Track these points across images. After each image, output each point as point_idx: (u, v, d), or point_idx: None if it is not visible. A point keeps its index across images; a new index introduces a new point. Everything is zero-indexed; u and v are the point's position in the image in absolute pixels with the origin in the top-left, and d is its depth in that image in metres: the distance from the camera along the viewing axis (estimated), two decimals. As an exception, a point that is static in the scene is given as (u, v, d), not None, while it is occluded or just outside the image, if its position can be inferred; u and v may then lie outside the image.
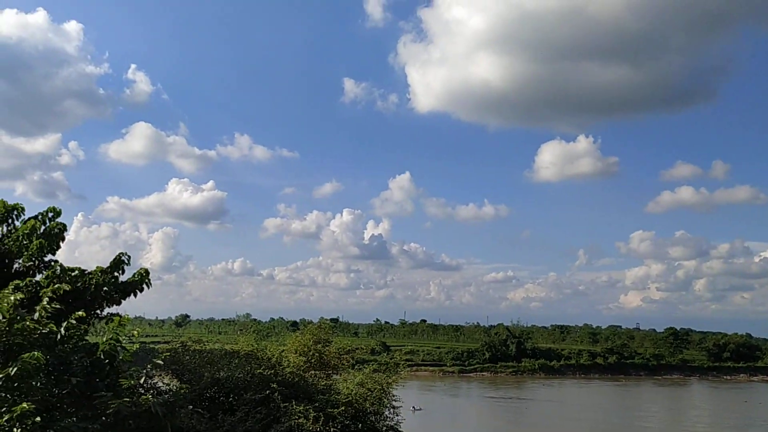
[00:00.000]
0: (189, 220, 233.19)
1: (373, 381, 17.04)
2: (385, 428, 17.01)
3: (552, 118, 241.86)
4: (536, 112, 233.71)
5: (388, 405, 17.38)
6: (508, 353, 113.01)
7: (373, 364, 18.75)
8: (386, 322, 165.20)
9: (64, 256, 12.57)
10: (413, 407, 55.58)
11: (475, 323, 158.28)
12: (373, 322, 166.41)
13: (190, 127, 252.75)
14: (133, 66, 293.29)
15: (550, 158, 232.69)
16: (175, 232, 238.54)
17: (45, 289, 9.27)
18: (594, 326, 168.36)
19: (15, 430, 7.43)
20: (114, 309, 12.66)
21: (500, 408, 71.87)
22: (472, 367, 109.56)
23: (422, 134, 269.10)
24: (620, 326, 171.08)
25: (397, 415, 17.63)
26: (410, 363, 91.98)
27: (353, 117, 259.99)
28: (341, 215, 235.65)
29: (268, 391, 14.85)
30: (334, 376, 19.39)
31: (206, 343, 20.39)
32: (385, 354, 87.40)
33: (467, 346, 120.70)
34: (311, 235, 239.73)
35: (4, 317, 8.23)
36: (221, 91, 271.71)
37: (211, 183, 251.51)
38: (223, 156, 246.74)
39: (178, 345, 17.63)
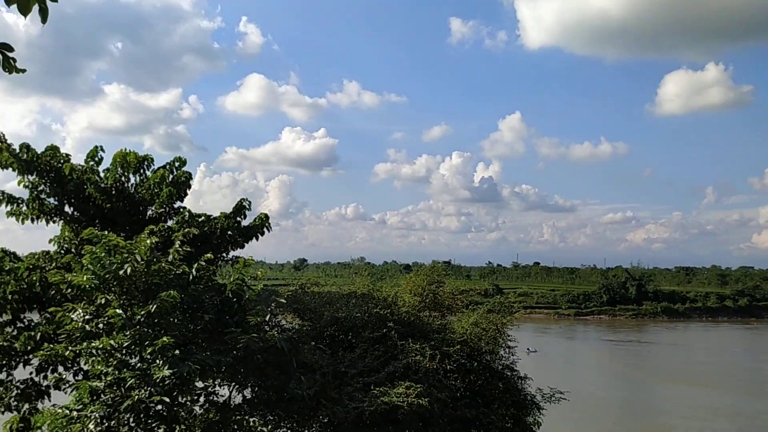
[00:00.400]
0: (303, 168, 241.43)
1: (487, 321, 17.01)
2: (500, 367, 17.06)
3: (678, 46, 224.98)
4: (660, 40, 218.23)
5: (503, 345, 17.33)
6: (627, 296, 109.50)
7: (487, 304, 18.66)
8: (498, 265, 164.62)
9: (189, 204, 13.38)
10: (528, 349, 55.43)
11: (592, 266, 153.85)
12: (485, 265, 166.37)
13: (300, 76, 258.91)
14: (244, 18, 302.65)
15: (675, 90, 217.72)
16: (290, 179, 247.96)
17: (176, 234, 9.91)
18: (723, 268, 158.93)
19: (157, 361, 8.12)
20: (238, 252, 13.42)
21: (620, 351, 70.11)
22: (588, 309, 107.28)
23: (533, 71, 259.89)
24: (752, 267, 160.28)
25: (512, 355, 17.59)
26: (524, 305, 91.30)
27: (461, 57, 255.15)
28: (450, 158, 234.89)
29: (384, 330, 15.24)
30: (449, 317, 19.55)
31: (323, 286, 21.16)
32: (498, 296, 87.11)
33: (583, 288, 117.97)
34: (421, 179, 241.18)
35: (142, 259, 8.90)
36: (329, 39, 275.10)
37: (322, 130, 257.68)
38: (332, 103, 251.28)
39: (297, 287, 18.40)
